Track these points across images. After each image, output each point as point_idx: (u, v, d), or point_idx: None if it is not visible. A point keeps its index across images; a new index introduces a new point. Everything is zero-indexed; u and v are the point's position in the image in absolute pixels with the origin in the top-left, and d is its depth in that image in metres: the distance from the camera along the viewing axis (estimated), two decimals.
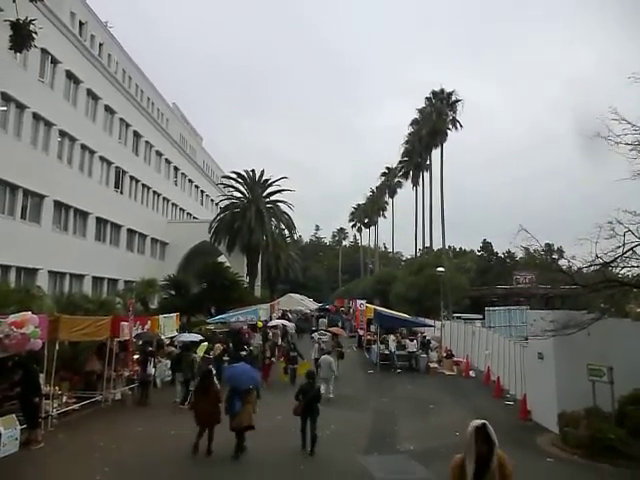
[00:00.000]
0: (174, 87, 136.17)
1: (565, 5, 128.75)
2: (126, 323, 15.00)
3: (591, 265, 10.90)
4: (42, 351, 10.73)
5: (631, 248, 10.31)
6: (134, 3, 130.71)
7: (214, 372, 11.37)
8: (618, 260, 10.58)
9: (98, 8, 31.20)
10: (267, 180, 42.52)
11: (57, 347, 11.46)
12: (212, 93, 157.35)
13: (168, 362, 16.53)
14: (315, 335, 19.81)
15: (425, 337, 24.16)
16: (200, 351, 16.20)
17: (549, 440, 11.49)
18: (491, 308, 32.10)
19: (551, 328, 11.28)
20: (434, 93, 48.44)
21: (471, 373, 21.03)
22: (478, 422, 3.90)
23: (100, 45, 31.64)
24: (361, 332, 27.05)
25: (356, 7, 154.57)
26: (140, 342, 16.55)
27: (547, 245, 54.97)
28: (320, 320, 35.87)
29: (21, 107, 23.11)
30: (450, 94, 47.77)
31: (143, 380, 14.80)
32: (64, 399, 12.22)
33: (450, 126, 47.22)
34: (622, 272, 11.35)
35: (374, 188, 75.89)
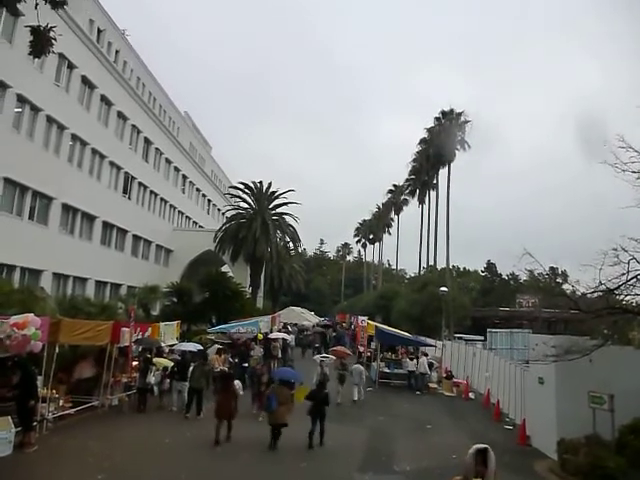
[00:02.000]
0: (185, 95, 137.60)
1: (571, 21, 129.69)
2: (127, 329, 15.00)
3: (595, 291, 10.86)
4: (42, 353, 10.74)
5: (635, 276, 10.27)
6: (148, 11, 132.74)
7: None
8: (622, 287, 10.54)
9: (116, 16, 31.77)
10: (274, 192, 42.75)
11: (57, 350, 11.47)
12: (219, 102, 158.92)
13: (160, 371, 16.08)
14: (317, 357, 18.54)
15: (431, 362, 23.62)
16: (162, 364, 15.95)
17: (547, 467, 11.34)
18: (493, 330, 31.88)
19: (553, 353, 11.19)
20: (443, 113, 48.85)
21: (471, 395, 20.82)
22: (481, 445, 3.91)
23: (116, 52, 32.13)
24: (361, 349, 26.89)
25: (365, 22, 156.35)
26: (140, 348, 16.53)
27: (551, 269, 54.61)
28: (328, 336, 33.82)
29: (35, 109, 23.43)
30: (459, 114, 48.18)
31: (141, 387, 14.74)
32: (60, 403, 12.18)
33: (458, 146, 47.49)
34: (626, 299, 11.29)
35: (380, 205, 76.22)
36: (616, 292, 10.98)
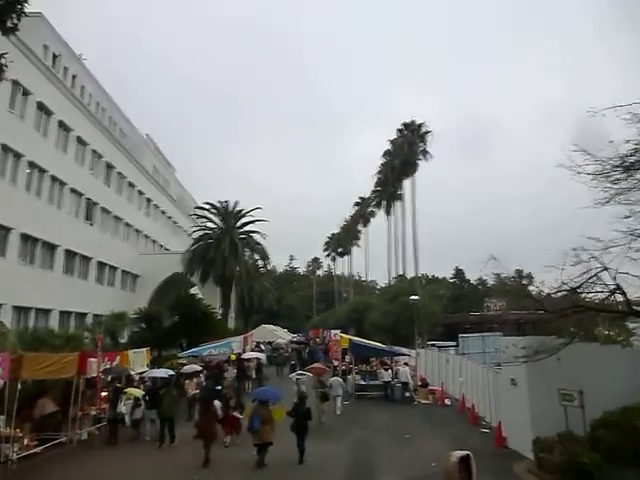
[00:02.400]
0: (148, 115, 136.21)
1: (534, 37, 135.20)
2: (94, 359, 14.54)
3: (559, 291, 11.15)
4: (4, 391, 10.27)
5: (596, 274, 10.61)
6: (111, 32, 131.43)
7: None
8: (584, 286, 10.86)
9: (72, 41, 31.37)
10: (241, 211, 42.47)
11: (19, 386, 10.99)
12: (185, 119, 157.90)
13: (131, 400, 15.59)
14: (293, 376, 18.17)
15: (405, 364, 23.67)
16: (133, 394, 15.53)
17: (525, 467, 11.48)
18: (464, 335, 32.29)
19: (523, 354, 11.40)
20: (405, 125, 49.90)
21: (446, 401, 20.95)
22: (462, 452, 3.85)
23: (73, 77, 31.65)
24: (336, 362, 26.78)
25: (335, 38, 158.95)
26: (109, 378, 16.01)
27: (517, 271, 56.09)
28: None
29: None
30: (420, 125, 49.28)
31: (112, 418, 14.24)
32: (25, 442, 11.64)
33: (421, 157, 48.49)
34: (589, 297, 11.64)
35: (348, 218, 76.73)
36: (579, 291, 11.32)
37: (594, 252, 10.56)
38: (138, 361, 19.32)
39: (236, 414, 13.54)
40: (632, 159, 8.73)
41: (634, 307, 11.31)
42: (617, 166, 8.92)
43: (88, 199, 32.91)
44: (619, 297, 11.15)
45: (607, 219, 9.78)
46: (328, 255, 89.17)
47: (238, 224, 42.19)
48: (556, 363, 11.03)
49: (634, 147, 8.59)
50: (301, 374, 18.16)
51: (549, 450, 10.70)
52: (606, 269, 10.79)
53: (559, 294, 11.46)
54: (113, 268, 37.33)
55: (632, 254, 9.84)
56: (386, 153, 52.27)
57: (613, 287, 10.88)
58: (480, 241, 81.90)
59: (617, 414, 10.55)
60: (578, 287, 11.00)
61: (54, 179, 28.64)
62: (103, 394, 15.37)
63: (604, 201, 9.45)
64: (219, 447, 12.63)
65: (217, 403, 13.07)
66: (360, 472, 11.57)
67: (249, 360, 25.13)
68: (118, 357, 17.37)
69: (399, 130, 50.39)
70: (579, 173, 9.49)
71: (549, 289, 11.64)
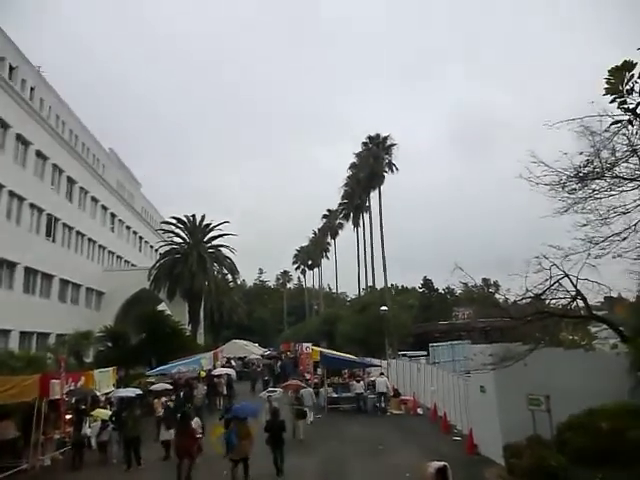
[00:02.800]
0: (110, 130, 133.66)
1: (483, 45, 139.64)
2: (57, 381, 14.03)
3: (523, 298, 11.45)
4: None
5: (557, 281, 10.95)
6: (75, 48, 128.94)
7: None
8: (547, 292, 11.19)
9: (31, 54, 30.64)
10: (208, 225, 42.07)
11: None
12: (147, 133, 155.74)
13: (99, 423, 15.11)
14: (264, 394, 17.12)
15: (381, 374, 23.68)
16: (100, 415, 15.14)
17: (496, 473, 11.61)
18: (434, 344, 32.66)
19: (490, 361, 11.61)
20: (370, 138, 50.55)
21: (419, 411, 21.08)
22: (439, 464, 3.86)
23: (32, 89, 30.83)
24: (308, 376, 26.66)
25: (297, 50, 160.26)
26: (73, 400, 15.47)
27: (484, 280, 57.32)
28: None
29: None
30: (386, 138, 50.01)
31: (77, 442, 13.72)
32: None
33: (386, 169, 49.19)
34: (553, 303, 11.99)
35: (316, 230, 76.94)
36: (542, 297, 11.65)
37: (555, 260, 10.93)
38: (104, 381, 18.80)
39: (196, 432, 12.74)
40: (586, 170, 9.08)
41: (594, 312, 11.73)
42: (572, 177, 9.27)
43: (49, 215, 31.99)
44: (580, 302, 11.54)
45: (566, 227, 10.14)
46: (297, 268, 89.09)
47: (206, 238, 41.78)
48: (523, 369, 11.27)
49: (587, 159, 8.95)
50: (272, 391, 17.80)
51: (518, 455, 10.88)
52: (567, 276, 11.16)
53: (524, 301, 11.77)
54: (77, 286, 36.28)
55: (591, 261, 10.20)
56: (352, 166, 52.82)
57: (574, 293, 11.25)
58: (448, 252, 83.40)
59: (582, 417, 10.83)
60: (541, 294, 11.32)
61: (12, 194, 27.75)
62: (68, 417, 14.81)
63: (562, 210, 9.78)
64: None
65: (197, 421, 12.99)
66: None
67: (219, 376, 24.75)
68: (83, 378, 16.83)
69: (364, 143, 51.01)
70: (537, 184, 9.82)
71: (514, 296, 11.95)
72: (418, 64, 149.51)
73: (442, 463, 3.87)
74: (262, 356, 42.85)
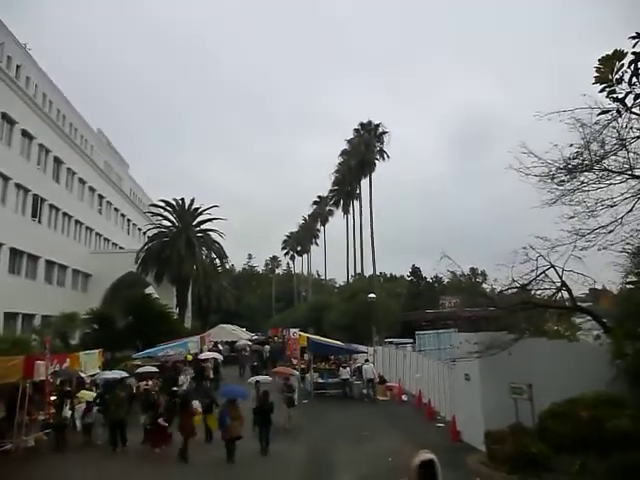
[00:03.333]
0: (101, 110, 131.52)
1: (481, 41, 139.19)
2: (42, 362, 13.94)
3: (509, 288, 11.58)
4: None
5: (543, 272, 11.08)
6: (69, 27, 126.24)
7: None
8: (533, 283, 11.32)
9: (17, 31, 29.93)
10: (197, 209, 41.80)
11: None
12: (141, 119, 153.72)
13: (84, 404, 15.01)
14: (252, 379, 16.75)
15: (367, 360, 23.93)
16: (84, 397, 15.14)
17: (478, 459, 11.80)
18: (421, 332, 32.94)
19: (476, 350, 11.75)
20: (362, 125, 50.40)
21: (404, 397, 21.30)
22: (427, 456, 3.70)
23: (17, 67, 30.16)
24: (295, 361, 26.78)
25: (284, 37, 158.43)
26: (58, 381, 15.40)
27: (472, 269, 57.70)
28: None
29: None
30: (377, 126, 49.89)
31: (58, 424, 13.67)
32: None
33: (378, 157, 49.13)
34: (538, 293, 12.14)
35: (306, 216, 76.86)
36: (528, 288, 11.79)
37: (542, 251, 11.04)
38: (90, 363, 18.74)
39: (162, 422, 12.85)
40: (575, 162, 9.13)
41: (579, 303, 11.89)
42: (561, 168, 9.31)
43: (35, 195, 31.54)
44: (565, 294, 11.69)
45: (554, 219, 10.22)
46: (287, 253, 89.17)
47: (195, 222, 41.53)
48: (507, 358, 11.43)
49: (576, 151, 8.99)
50: (260, 378, 17.19)
51: (500, 442, 11.06)
52: (553, 267, 11.30)
53: (510, 291, 11.90)
54: (63, 267, 35.96)
55: (577, 252, 10.32)
56: (343, 152, 52.70)
57: (559, 284, 11.39)
58: (437, 241, 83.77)
59: (563, 405, 11.02)
60: (527, 284, 11.47)
61: None
62: (52, 398, 14.75)
63: (551, 202, 9.86)
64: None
65: (196, 402, 13.52)
66: (318, 470, 11.63)
67: (206, 360, 24.78)
68: (68, 359, 16.77)
69: (356, 130, 50.91)
70: (527, 175, 9.87)
71: (501, 286, 12.08)
72: (407, 56, 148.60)
73: (429, 457, 3.65)
74: (251, 340, 42.90)
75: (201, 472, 11.64)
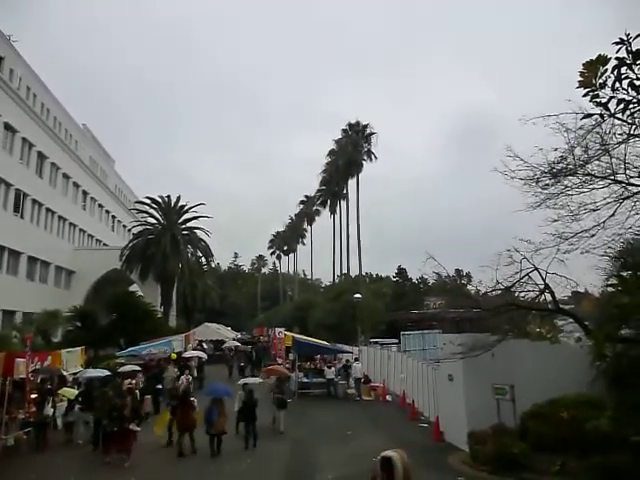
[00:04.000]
0: (87, 105, 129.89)
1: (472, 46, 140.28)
2: (22, 360, 13.72)
3: (493, 290, 11.69)
4: None
5: (527, 274, 11.20)
6: (63, 19, 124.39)
7: None
8: (517, 285, 11.44)
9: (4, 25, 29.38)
10: (183, 206, 41.50)
11: None
12: (129, 114, 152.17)
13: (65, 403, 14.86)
14: (241, 382, 15.75)
15: (348, 361, 24.10)
16: (66, 394, 14.99)
17: (460, 459, 11.92)
18: (406, 332, 33.10)
19: (459, 351, 11.84)
20: (350, 125, 50.41)
21: (388, 397, 21.40)
22: (386, 453, 3.87)
23: (1, 59, 29.65)
24: (280, 361, 26.75)
25: (273, 38, 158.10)
26: (39, 379, 15.18)
27: (457, 271, 58.13)
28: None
29: None
30: (365, 127, 49.93)
31: (39, 422, 13.46)
32: None
33: (365, 157, 49.23)
34: (522, 295, 12.27)
35: (293, 216, 76.74)
36: (512, 290, 11.91)
37: (526, 253, 11.16)
38: (72, 361, 18.48)
39: (133, 427, 12.20)
40: (559, 166, 9.24)
41: (561, 306, 12.04)
42: (546, 172, 9.42)
43: (17, 190, 31.03)
44: (548, 296, 11.83)
45: (538, 222, 10.34)
46: (273, 253, 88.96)
47: (180, 220, 41.23)
48: (490, 359, 11.55)
49: (560, 155, 9.10)
50: (248, 380, 16.51)
51: (482, 442, 11.19)
52: (536, 269, 11.42)
53: (494, 293, 12.01)
54: (46, 264, 35.46)
55: (560, 255, 10.45)
56: (331, 152, 52.63)
57: (542, 287, 11.53)
58: (422, 242, 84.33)
59: (545, 406, 11.17)
60: (511, 286, 11.58)
61: None
62: (33, 396, 14.53)
63: (535, 205, 9.96)
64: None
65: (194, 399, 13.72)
66: (301, 468, 11.63)
67: (190, 359, 24.65)
68: (50, 357, 16.51)
69: (344, 130, 50.86)
70: (512, 178, 9.97)
71: (485, 288, 12.18)
72: (403, 59, 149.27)
73: (389, 454, 3.83)
74: (237, 340, 42.61)
75: (190, 465, 11.90)
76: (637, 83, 5.19)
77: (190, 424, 12.65)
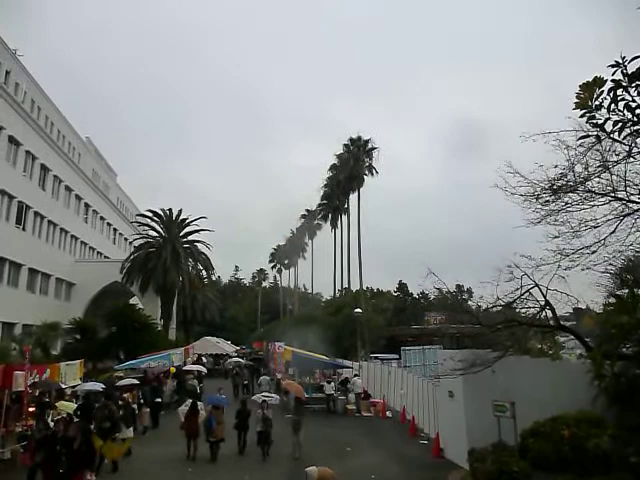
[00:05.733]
0: (90, 119, 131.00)
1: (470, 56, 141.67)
2: (21, 372, 13.67)
3: (494, 306, 11.68)
4: None
5: (527, 290, 11.20)
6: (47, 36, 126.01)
7: None
8: (517, 301, 11.44)
9: (10, 39, 29.83)
10: (184, 219, 41.64)
11: None
12: (130, 125, 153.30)
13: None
14: (258, 397, 15.46)
15: (347, 378, 23.99)
16: (67, 408, 14.87)
17: (460, 476, 11.80)
18: (406, 348, 32.95)
19: (459, 367, 11.79)
20: (352, 140, 50.69)
21: (388, 413, 21.22)
22: (309, 469, 4.31)
23: (7, 73, 29.99)
24: (279, 375, 26.61)
25: (274, 49, 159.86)
26: (37, 393, 15.11)
27: (457, 286, 57.97)
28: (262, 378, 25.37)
29: None
30: (367, 141, 50.23)
31: (39, 436, 13.33)
32: None
33: (367, 172, 49.42)
34: (522, 312, 12.26)
35: (294, 230, 76.82)
36: (512, 306, 11.91)
37: (527, 269, 11.18)
38: (70, 374, 18.37)
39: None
40: (559, 183, 9.29)
41: (562, 322, 12.01)
42: (546, 189, 9.48)
43: (20, 202, 31.16)
44: (549, 312, 11.82)
45: (538, 238, 10.37)
46: (274, 266, 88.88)
47: (181, 233, 41.33)
48: (490, 376, 11.49)
49: (561, 172, 9.16)
50: (267, 396, 15.84)
51: (482, 460, 11.08)
52: (537, 286, 11.43)
53: (494, 309, 12.00)
54: (46, 275, 35.45)
55: (561, 272, 10.46)
56: (332, 167, 52.87)
57: (543, 303, 11.52)
58: (424, 257, 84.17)
59: (545, 424, 11.09)
60: (512, 302, 11.58)
61: None
62: (31, 409, 14.44)
63: (535, 221, 10.00)
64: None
65: (201, 404, 14.84)
66: None
67: (189, 372, 24.53)
68: (48, 370, 16.43)
69: (345, 145, 51.11)
70: (513, 194, 10.03)
71: (486, 304, 12.17)
72: (403, 73, 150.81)
73: (314, 469, 4.36)
74: (241, 355, 42.12)
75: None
76: (633, 105, 5.28)
77: (195, 431, 13.71)
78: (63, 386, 17.12)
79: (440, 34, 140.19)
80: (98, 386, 16.88)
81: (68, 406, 14.84)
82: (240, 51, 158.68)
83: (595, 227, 9.31)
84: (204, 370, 26.64)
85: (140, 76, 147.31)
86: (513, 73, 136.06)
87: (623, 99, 5.28)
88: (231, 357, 38.02)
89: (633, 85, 5.08)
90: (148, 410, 17.51)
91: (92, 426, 12.98)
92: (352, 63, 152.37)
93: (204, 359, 35.81)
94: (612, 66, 4.90)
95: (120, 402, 15.10)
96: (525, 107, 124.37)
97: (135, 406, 16.66)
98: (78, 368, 19.52)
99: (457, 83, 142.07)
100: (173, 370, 23.76)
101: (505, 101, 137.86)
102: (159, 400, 18.77)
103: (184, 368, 25.18)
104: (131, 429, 13.88)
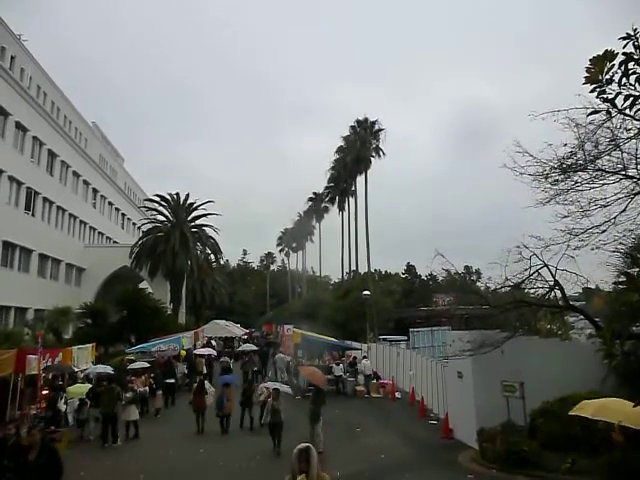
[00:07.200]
0: (97, 103, 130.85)
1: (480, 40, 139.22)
2: (34, 356, 13.88)
3: (502, 287, 11.60)
4: None
5: (536, 270, 11.11)
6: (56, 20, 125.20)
7: None
8: (526, 282, 11.35)
9: (15, 25, 29.64)
10: (192, 204, 41.66)
11: None
12: (138, 111, 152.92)
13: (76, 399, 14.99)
14: (269, 385, 14.46)
15: (355, 358, 24.18)
16: (77, 392, 15.16)
17: (469, 456, 11.88)
18: (415, 329, 33.02)
19: (468, 348, 11.78)
20: (358, 122, 50.14)
21: (397, 395, 21.34)
22: (302, 445, 4.45)
23: (12, 58, 29.85)
24: (288, 358, 26.80)
25: (284, 29, 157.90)
26: (50, 376, 15.34)
27: (466, 267, 57.86)
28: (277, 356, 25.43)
29: None
30: (374, 123, 49.66)
31: (51, 418, 13.60)
32: None
33: (374, 154, 48.99)
34: (531, 292, 12.19)
35: (302, 213, 76.69)
36: (521, 286, 11.83)
37: (535, 250, 11.07)
38: (82, 357, 18.69)
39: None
40: (569, 161, 9.13)
41: (571, 302, 11.93)
42: (555, 168, 9.32)
43: (29, 188, 31.30)
44: (558, 293, 11.73)
45: (548, 218, 10.24)
46: (282, 250, 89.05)
47: (189, 217, 41.39)
48: (499, 356, 11.47)
49: (570, 150, 8.99)
50: (278, 386, 14.31)
51: (492, 440, 11.13)
52: (546, 266, 11.33)
53: (503, 290, 11.94)
54: (57, 261, 35.76)
55: (570, 252, 10.35)
56: (339, 149, 52.40)
57: (552, 283, 11.42)
58: (433, 238, 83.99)
59: (555, 404, 11.08)
60: (521, 283, 11.50)
61: None
62: (45, 392, 14.70)
63: (545, 201, 9.87)
64: None
65: (207, 384, 16.31)
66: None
67: (200, 355, 24.80)
68: (60, 354, 16.70)
69: (352, 127, 50.54)
70: (522, 174, 9.88)
71: (495, 285, 12.11)
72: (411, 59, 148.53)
73: (305, 444, 4.52)
74: (251, 338, 42.42)
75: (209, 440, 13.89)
76: None
77: (202, 405, 14.97)
78: (75, 369, 17.39)
79: (443, 20, 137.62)
80: (108, 369, 17.10)
81: (77, 391, 15.08)
82: (250, 35, 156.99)
83: (605, 206, 9.17)
84: (214, 353, 26.88)
85: (148, 61, 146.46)
86: (522, 52, 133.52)
87: (635, 72, 5.11)
88: (244, 342, 37.72)
89: None
90: (160, 393, 17.74)
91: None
92: (363, 48, 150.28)
93: (214, 342, 36.16)
94: (623, 38, 4.74)
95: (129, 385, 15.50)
96: (536, 88, 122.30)
97: (147, 389, 16.95)
98: (90, 352, 19.84)
99: (468, 66, 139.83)
100: (183, 353, 24.03)
101: (516, 83, 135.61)
102: (172, 381, 19.08)
103: (195, 351, 25.45)
104: (136, 411, 14.51)
